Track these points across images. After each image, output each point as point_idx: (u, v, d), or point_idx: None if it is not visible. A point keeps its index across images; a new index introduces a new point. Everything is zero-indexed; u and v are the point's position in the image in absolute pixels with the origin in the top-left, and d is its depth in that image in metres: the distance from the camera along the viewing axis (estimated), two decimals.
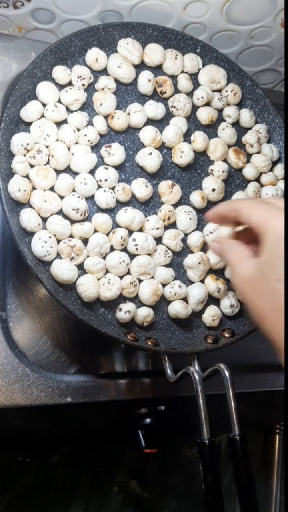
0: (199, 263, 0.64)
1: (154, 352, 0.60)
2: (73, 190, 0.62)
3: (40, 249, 0.57)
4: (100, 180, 0.62)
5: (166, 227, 0.66)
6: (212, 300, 0.67)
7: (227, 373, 0.55)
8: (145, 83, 0.68)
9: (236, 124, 0.75)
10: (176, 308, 0.63)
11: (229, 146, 0.72)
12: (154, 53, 0.69)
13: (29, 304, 0.67)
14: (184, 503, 0.87)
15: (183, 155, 0.68)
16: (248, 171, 0.73)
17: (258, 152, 0.75)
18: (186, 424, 0.82)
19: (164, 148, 0.69)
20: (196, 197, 0.68)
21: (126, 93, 0.69)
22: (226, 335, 0.65)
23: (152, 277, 0.63)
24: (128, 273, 0.62)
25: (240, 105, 0.75)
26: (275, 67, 0.89)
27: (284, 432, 0.93)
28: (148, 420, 0.69)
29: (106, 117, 0.66)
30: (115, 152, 0.64)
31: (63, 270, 0.58)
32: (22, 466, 0.79)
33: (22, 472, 0.78)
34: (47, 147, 0.61)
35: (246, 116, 0.74)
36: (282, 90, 0.94)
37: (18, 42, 0.73)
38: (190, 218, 0.66)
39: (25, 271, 0.67)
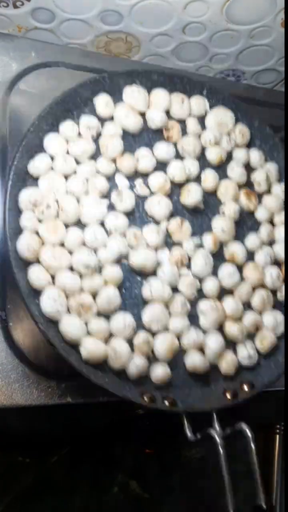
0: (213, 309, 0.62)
1: (173, 412, 0.58)
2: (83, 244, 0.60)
3: (51, 307, 0.56)
4: (111, 229, 0.61)
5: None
6: (228, 346, 0.64)
7: (249, 433, 0.53)
8: (158, 118, 0.68)
9: (246, 165, 0.73)
10: (195, 361, 0.60)
11: (239, 186, 0.71)
12: (159, 99, 0.68)
13: None
14: (184, 503, 0.87)
15: (190, 195, 0.66)
16: (260, 214, 0.71)
17: (268, 191, 0.73)
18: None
19: (173, 188, 0.68)
20: (208, 240, 0.66)
21: (133, 141, 0.68)
22: (245, 389, 0.62)
23: (166, 329, 0.61)
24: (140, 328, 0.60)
25: (249, 145, 0.74)
26: (275, 66, 0.89)
27: (284, 432, 0.93)
28: (148, 420, 0.69)
29: (113, 161, 0.65)
30: (126, 198, 0.63)
31: (72, 326, 0.56)
32: (22, 466, 0.79)
33: (22, 472, 0.78)
34: (56, 201, 0.60)
35: (255, 157, 0.73)
36: (282, 90, 0.94)
37: (18, 41, 0.73)
38: (206, 263, 0.64)
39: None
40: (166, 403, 0.58)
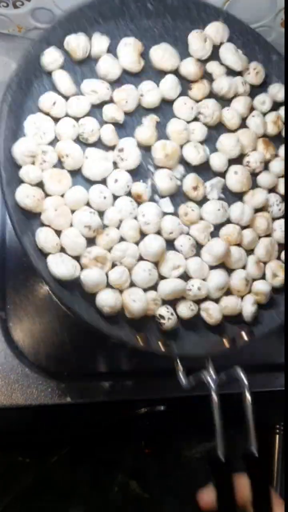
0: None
1: (166, 356, 0.56)
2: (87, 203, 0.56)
3: (64, 270, 0.52)
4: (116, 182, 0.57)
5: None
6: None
7: (245, 381, 0.50)
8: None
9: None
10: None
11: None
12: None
13: (29, 304, 0.67)
14: (184, 503, 0.87)
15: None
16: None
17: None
18: (186, 424, 0.82)
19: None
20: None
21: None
22: (244, 336, 0.60)
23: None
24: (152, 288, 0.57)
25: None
26: (279, 52, 0.88)
27: (284, 432, 0.93)
28: (148, 420, 0.69)
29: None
30: (128, 156, 0.58)
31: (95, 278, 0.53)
32: (22, 466, 0.79)
33: (22, 472, 0.78)
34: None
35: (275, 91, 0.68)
36: None
37: (18, 41, 0.73)
38: (218, 209, 0.61)
39: (25, 271, 0.67)
40: (160, 345, 0.56)
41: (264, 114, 0.68)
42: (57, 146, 0.56)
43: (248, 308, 0.61)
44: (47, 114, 0.57)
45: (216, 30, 0.67)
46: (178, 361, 0.56)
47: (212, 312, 0.59)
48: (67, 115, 0.58)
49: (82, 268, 0.54)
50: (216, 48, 0.67)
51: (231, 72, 0.67)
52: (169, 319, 0.56)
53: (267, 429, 0.94)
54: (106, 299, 0.54)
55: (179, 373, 0.55)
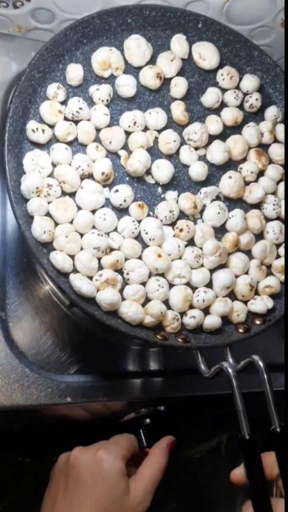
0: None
1: (186, 348, 0.59)
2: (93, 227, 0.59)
3: (88, 286, 0.55)
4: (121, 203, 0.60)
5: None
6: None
7: (261, 364, 0.53)
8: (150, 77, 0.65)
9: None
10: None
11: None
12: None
13: (29, 304, 0.67)
14: (185, 503, 0.87)
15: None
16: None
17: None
18: (186, 424, 0.82)
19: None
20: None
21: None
22: (257, 322, 0.62)
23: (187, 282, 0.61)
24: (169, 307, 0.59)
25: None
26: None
27: (284, 432, 0.92)
28: (148, 420, 0.69)
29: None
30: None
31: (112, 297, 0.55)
32: (22, 466, 0.79)
33: (22, 472, 0.78)
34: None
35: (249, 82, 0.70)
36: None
37: (18, 41, 0.73)
38: (218, 213, 0.63)
39: (25, 271, 0.67)
40: (179, 340, 0.58)
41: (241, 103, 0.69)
42: (54, 171, 0.59)
43: (262, 305, 0.62)
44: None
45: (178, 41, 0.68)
46: (198, 353, 0.58)
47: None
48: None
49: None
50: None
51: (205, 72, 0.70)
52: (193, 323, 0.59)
53: (267, 429, 0.94)
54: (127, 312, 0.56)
55: (200, 364, 0.58)
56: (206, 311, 0.61)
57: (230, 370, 0.54)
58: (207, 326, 0.60)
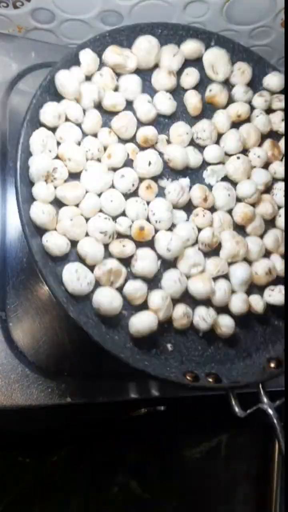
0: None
1: (219, 389, 0.56)
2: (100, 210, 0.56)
3: (76, 282, 0.52)
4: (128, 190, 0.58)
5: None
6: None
7: None
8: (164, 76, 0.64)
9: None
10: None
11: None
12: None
13: (29, 304, 0.67)
14: (185, 503, 0.87)
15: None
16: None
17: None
18: (186, 424, 0.82)
19: None
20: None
21: None
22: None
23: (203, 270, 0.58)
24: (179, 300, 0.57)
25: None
26: (275, 67, 0.89)
27: (284, 432, 0.92)
28: (148, 420, 0.69)
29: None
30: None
31: (108, 298, 0.53)
32: (22, 466, 0.79)
33: (22, 472, 0.78)
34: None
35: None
36: None
37: (18, 41, 0.73)
38: (229, 195, 0.62)
39: (25, 271, 0.67)
40: (210, 380, 0.56)
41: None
42: (59, 149, 0.57)
43: (279, 297, 0.61)
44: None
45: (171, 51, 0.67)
46: (230, 394, 0.55)
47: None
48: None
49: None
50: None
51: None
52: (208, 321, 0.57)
53: (267, 429, 0.94)
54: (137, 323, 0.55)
55: (233, 406, 0.54)
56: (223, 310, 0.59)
57: (270, 412, 0.51)
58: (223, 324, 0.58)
